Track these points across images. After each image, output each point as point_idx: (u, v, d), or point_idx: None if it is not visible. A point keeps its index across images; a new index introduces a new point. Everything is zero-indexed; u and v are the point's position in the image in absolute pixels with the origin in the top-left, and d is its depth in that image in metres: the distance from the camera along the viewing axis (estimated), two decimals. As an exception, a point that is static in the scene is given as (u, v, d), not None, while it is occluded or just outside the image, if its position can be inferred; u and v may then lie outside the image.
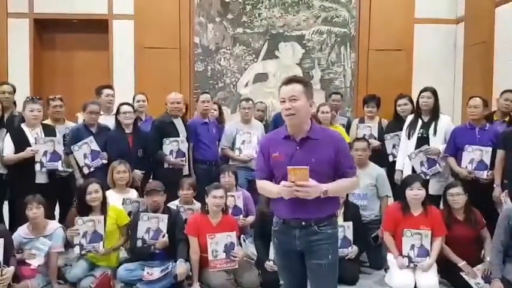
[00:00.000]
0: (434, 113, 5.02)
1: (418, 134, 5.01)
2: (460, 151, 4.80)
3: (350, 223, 4.54)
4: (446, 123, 5.04)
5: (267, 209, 4.27)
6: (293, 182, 2.64)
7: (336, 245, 2.94)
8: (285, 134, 2.84)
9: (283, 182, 2.69)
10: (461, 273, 4.24)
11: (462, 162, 4.79)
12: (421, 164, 4.93)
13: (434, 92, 5.04)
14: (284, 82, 2.81)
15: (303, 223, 2.80)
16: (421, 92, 5.10)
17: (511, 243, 3.99)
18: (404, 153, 5.08)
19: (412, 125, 5.07)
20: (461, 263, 4.27)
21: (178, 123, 5.42)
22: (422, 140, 4.97)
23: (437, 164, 4.91)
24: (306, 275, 2.94)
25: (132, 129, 5.21)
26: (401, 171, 5.09)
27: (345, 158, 2.85)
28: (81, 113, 5.41)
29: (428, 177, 4.85)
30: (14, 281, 3.91)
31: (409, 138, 5.05)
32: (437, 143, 4.94)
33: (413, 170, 4.97)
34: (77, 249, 4.30)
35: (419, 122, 5.05)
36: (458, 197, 4.39)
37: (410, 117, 5.18)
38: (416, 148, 4.97)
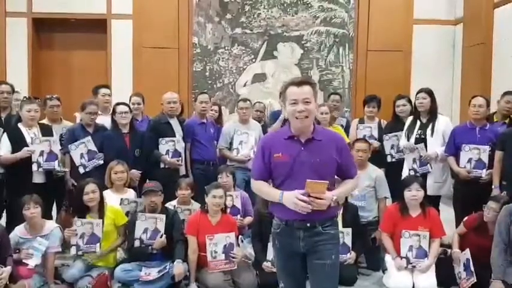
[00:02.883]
0: (432, 113, 5.03)
1: (416, 135, 5.02)
2: (460, 151, 4.79)
3: (349, 229, 4.52)
4: (445, 124, 5.05)
5: (264, 209, 4.28)
6: (309, 195, 2.65)
7: (338, 246, 2.95)
8: (289, 135, 2.82)
9: (297, 194, 2.66)
10: (454, 264, 4.26)
11: (460, 162, 4.80)
12: (414, 161, 4.99)
13: (429, 93, 5.05)
14: (295, 83, 2.77)
15: (308, 224, 2.79)
16: (417, 93, 5.14)
17: None
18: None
19: (411, 127, 5.09)
20: (454, 250, 4.28)
21: (175, 123, 5.42)
22: (420, 141, 5.00)
23: (428, 165, 4.95)
24: (306, 276, 2.94)
25: (129, 129, 5.20)
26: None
27: (348, 160, 2.90)
28: (79, 113, 5.40)
29: (418, 175, 4.88)
30: (10, 281, 3.89)
31: (408, 140, 5.05)
32: (435, 144, 4.95)
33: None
34: (73, 250, 4.30)
35: (418, 123, 5.06)
36: (493, 213, 4.17)
37: (409, 119, 5.19)
38: None
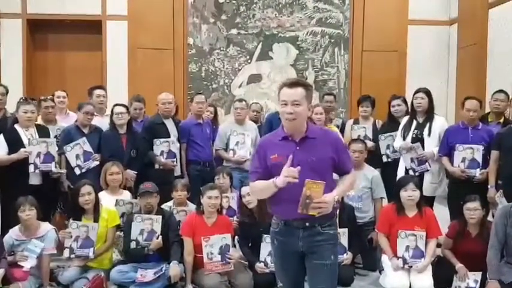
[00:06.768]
0: (429, 113, 5.03)
1: (413, 134, 5.02)
2: (454, 151, 4.80)
3: (345, 230, 4.52)
4: (441, 124, 5.06)
5: (244, 216, 4.44)
6: (308, 195, 2.61)
7: (337, 246, 2.96)
8: (283, 135, 2.83)
9: (285, 167, 2.62)
10: (455, 276, 4.22)
11: (454, 161, 4.80)
12: (411, 160, 4.98)
13: (427, 93, 5.05)
14: (287, 84, 2.79)
15: (307, 224, 2.79)
16: (415, 93, 5.14)
17: (509, 242, 3.94)
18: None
19: (407, 126, 5.09)
20: (458, 265, 4.22)
21: (170, 123, 5.41)
22: (417, 141, 4.98)
23: (426, 163, 4.94)
24: (304, 276, 2.94)
25: (127, 129, 5.20)
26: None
27: (343, 155, 2.91)
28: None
29: (417, 174, 4.89)
30: (3, 283, 3.88)
31: (404, 139, 5.05)
32: (432, 144, 4.95)
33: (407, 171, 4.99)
34: (66, 253, 4.28)
35: (414, 122, 5.06)
36: (475, 211, 4.24)
37: (405, 119, 5.19)
38: None
